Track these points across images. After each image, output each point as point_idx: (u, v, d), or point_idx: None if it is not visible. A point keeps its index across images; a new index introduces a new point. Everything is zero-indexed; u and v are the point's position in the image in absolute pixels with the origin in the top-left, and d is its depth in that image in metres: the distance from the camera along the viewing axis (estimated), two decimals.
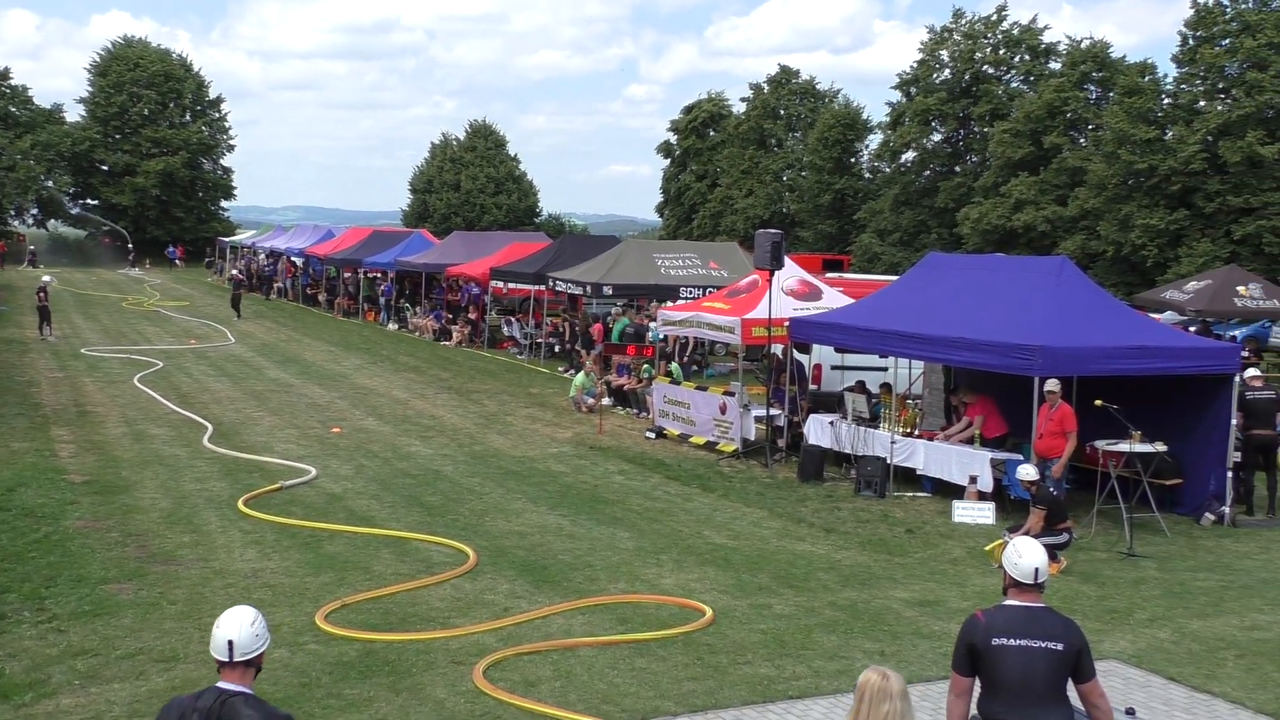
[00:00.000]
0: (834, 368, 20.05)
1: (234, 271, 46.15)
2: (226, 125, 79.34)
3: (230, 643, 4.40)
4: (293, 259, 50.05)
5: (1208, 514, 14.15)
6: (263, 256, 54.05)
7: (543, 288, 29.45)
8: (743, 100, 72.52)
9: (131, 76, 74.37)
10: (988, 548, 12.26)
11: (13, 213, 70.78)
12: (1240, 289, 28.42)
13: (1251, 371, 15.50)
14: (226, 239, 65.00)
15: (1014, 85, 55.55)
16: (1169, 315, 28.23)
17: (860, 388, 17.48)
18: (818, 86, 70.61)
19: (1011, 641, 4.98)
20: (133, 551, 11.41)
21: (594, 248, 30.36)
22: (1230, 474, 14.22)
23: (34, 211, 74.69)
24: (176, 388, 23.03)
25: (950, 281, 16.05)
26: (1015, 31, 55.66)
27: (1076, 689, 5.08)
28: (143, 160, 73.49)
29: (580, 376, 22.41)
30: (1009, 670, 4.97)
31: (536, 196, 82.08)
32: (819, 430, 17.15)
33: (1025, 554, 5.22)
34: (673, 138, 77.08)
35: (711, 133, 74.87)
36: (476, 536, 12.41)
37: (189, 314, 40.02)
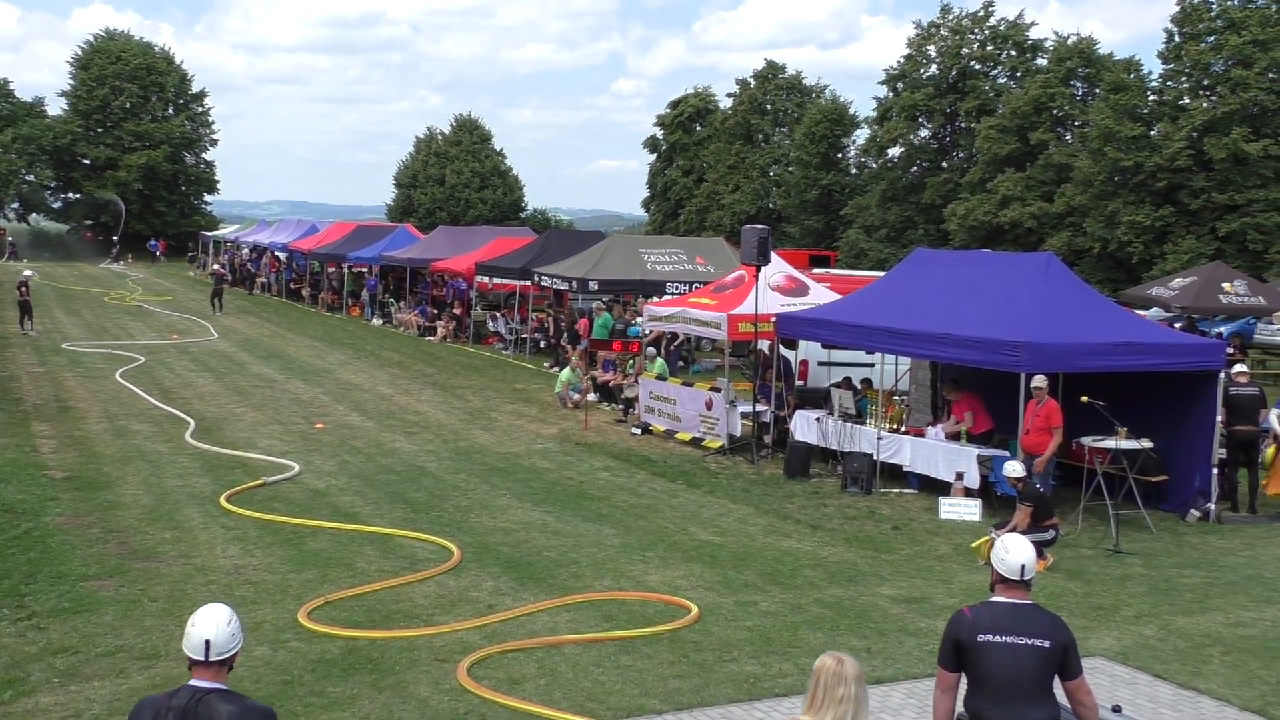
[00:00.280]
0: (820, 364, 20.10)
1: (215, 266, 45.91)
2: (210, 119, 79.00)
3: (207, 642, 4.37)
4: (276, 254, 49.87)
5: (1193, 510, 14.18)
6: (246, 251, 53.84)
7: (528, 283, 29.37)
8: (729, 95, 72.75)
9: (114, 70, 73.92)
10: (974, 544, 12.29)
11: None
12: (1225, 285, 28.58)
13: (1239, 368, 15.55)
14: (209, 233, 64.73)
15: (1001, 81, 55.70)
16: (1155, 312, 28.37)
17: (846, 384, 17.50)
18: (805, 82, 70.77)
19: (998, 638, 4.97)
20: (114, 548, 11.36)
21: (580, 243, 30.31)
22: (1216, 470, 14.27)
23: (15, 206, 74.21)
24: (159, 383, 22.97)
25: (937, 277, 16.05)
26: (1002, 28, 55.83)
27: (1063, 686, 5.08)
28: (124, 154, 73.08)
29: (565, 372, 22.41)
30: (995, 667, 4.96)
31: (522, 191, 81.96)
32: (805, 426, 17.19)
33: (1013, 550, 5.20)
34: (659, 133, 77.04)
35: (698, 128, 74.85)
36: (461, 533, 12.40)
37: (171, 309, 39.87)
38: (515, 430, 19.27)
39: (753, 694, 8.13)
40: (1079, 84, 51.51)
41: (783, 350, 18.42)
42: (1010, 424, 14.37)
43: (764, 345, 18.75)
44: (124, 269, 61.88)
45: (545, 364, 27.81)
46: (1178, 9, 45.13)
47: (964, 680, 5.09)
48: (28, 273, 34.47)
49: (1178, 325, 25.29)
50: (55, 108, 75.01)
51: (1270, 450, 15.07)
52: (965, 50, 55.82)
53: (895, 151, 58.67)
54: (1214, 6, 44.11)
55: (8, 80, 70.70)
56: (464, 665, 8.38)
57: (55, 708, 7.62)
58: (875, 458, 15.46)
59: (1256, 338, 32.81)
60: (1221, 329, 31.09)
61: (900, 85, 57.92)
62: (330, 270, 44.30)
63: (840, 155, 63.77)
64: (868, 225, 57.13)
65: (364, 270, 41.90)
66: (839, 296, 18.30)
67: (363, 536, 12.18)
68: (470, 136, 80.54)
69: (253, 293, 48.75)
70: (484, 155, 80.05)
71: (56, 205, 76.32)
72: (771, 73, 70.42)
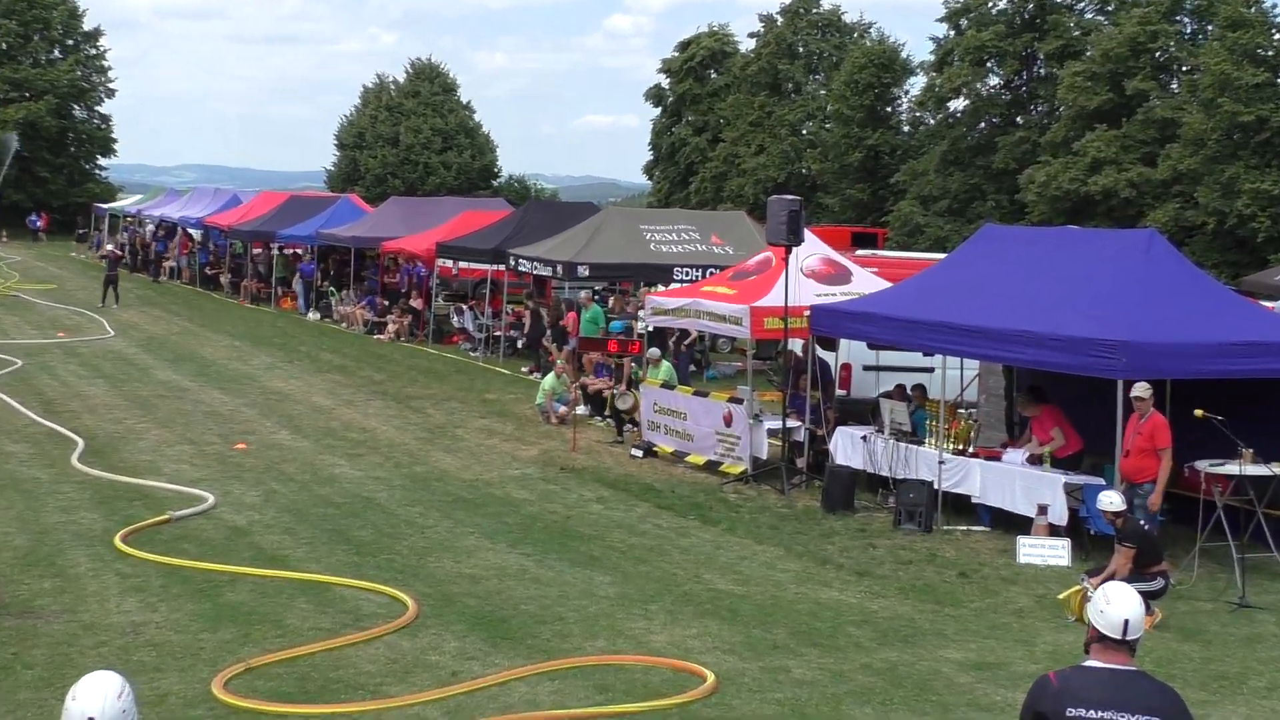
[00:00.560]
0: (866, 368, 20.19)
1: (110, 247, 45.87)
2: (105, 64, 79.24)
3: None
4: (188, 231, 49.87)
5: None
6: (151, 228, 53.88)
7: (502, 268, 29.39)
8: (751, 35, 72.83)
9: None
10: (1062, 595, 12.26)
11: None
12: None
13: None
14: (104, 205, 64.83)
15: (1089, 17, 55.74)
16: None
17: (900, 394, 17.48)
18: (844, 18, 70.85)
19: (1093, 713, 4.94)
20: None
21: (566, 218, 30.30)
22: None
23: None
24: (39, 393, 23.03)
25: (1011, 260, 16.13)
26: None
27: None
28: None
29: (549, 379, 22.45)
30: None
31: (495, 154, 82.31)
32: (848, 447, 17.19)
33: (1115, 602, 5.19)
34: (665, 81, 77.24)
35: (713, 75, 74.97)
36: (417, 581, 12.44)
37: (56, 300, 39.84)
38: (486, 451, 19.35)
39: None
40: (1187, 19, 51.49)
41: (820, 352, 18.44)
42: (1105, 444, 14.26)
43: (796, 345, 18.72)
44: None
45: (523, 369, 27.87)
46: None
47: None
48: None
49: None
50: None
51: None
52: None
53: (958, 104, 58.70)
54: None
55: None
56: None
57: None
58: (936, 487, 15.46)
59: None
60: None
61: (964, 22, 57.92)
62: (256, 252, 44.04)
63: (889, 109, 63.83)
64: (924, 196, 57.12)
65: (298, 252, 41.76)
66: (889, 284, 18.31)
67: (294, 585, 12.19)
68: (430, 86, 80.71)
69: (158, 280, 48.71)
70: (447, 109, 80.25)
71: None
72: (804, 7, 70.51)
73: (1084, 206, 49.29)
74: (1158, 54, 50.29)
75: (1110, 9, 54.82)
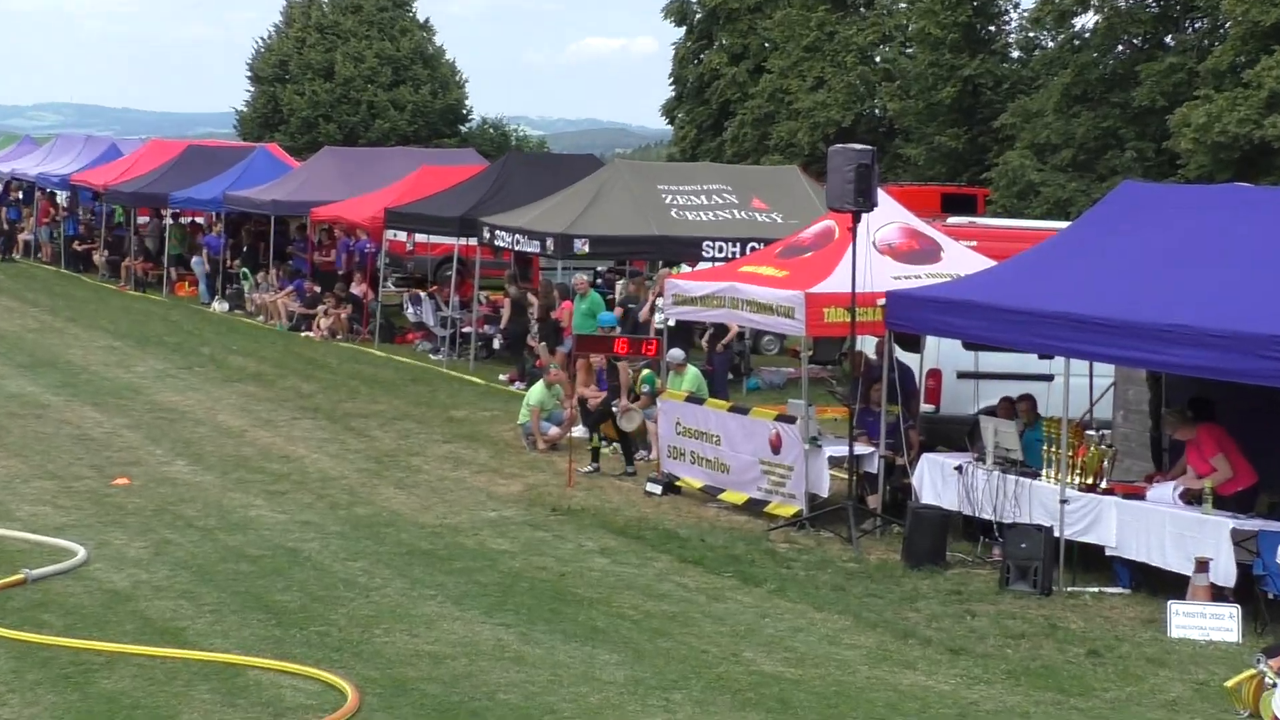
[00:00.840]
0: (962, 376, 20.34)
1: None
2: None
3: None
4: (50, 192, 49.89)
5: None
6: None
7: (473, 242, 29.47)
8: None
9: None
10: (1231, 683, 12.16)
11: None
12: None
13: None
14: None
15: None
16: None
17: (1007, 409, 17.48)
18: None
19: None
20: None
21: (559, 175, 30.27)
22: None
23: None
24: None
25: (1159, 230, 16.12)
26: None
27: None
28: None
29: (538, 390, 22.41)
30: None
31: (463, 90, 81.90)
32: (938, 481, 17.23)
33: None
34: None
35: None
36: (359, 662, 12.39)
37: None
38: (452, 487, 19.43)
39: None
40: None
41: (899, 353, 18.43)
42: None
43: (867, 345, 18.92)
44: None
45: (501, 377, 27.96)
46: None
47: None
48: None
49: None
50: None
51: None
52: None
53: (1086, 20, 58.37)
54: None
55: None
56: None
57: None
58: (1057, 534, 15.42)
59: None
60: None
61: None
62: (142, 221, 44.20)
63: (993, 29, 63.50)
64: (1039, 144, 56.57)
65: (199, 221, 41.87)
66: (993, 263, 18.23)
67: (193, 668, 12.09)
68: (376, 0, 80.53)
69: (9, 257, 48.81)
70: (399, 30, 79.96)
71: None
72: None
73: (1258, 157, 48.98)
74: None
75: None
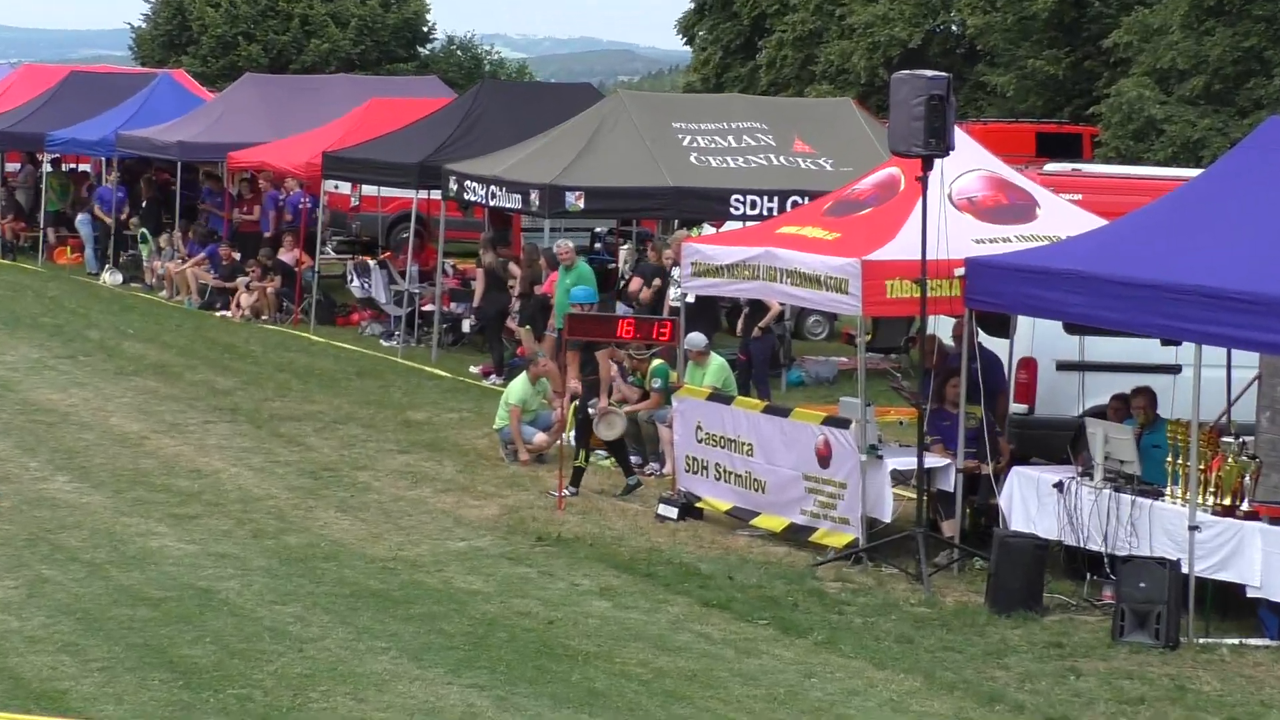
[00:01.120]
0: (1062, 367, 19.52)
1: None
2: None
3: None
4: None
5: None
6: None
7: (437, 195, 29.13)
8: None
9: None
10: None
11: None
12: None
13: None
14: None
15: None
16: None
17: (1120, 409, 17.17)
18: None
19: None
20: None
21: (547, 111, 29.87)
22: None
23: None
24: None
25: None
26: None
27: None
28: None
29: (519, 386, 21.75)
30: None
31: (424, 1, 78.85)
32: (1032, 502, 16.79)
33: None
34: None
35: None
36: None
37: None
38: (409, 510, 19.13)
39: None
40: None
41: (983, 338, 18.09)
42: None
43: (942, 329, 18.92)
44: None
45: (473, 368, 27.88)
46: None
47: None
48: None
49: None
50: None
51: None
52: None
53: None
54: None
55: None
56: None
57: None
58: (1186, 570, 14.88)
59: None
60: None
61: None
62: (12, 169, 43.92)
63: None
64: (1162, 69, 54.73)
65: (85, 169, 40.99)
66: (1103, 221, 17.57)
67: None
68: None
69: None
70: None
71: None
72: None
73: None
74: None
75: None
